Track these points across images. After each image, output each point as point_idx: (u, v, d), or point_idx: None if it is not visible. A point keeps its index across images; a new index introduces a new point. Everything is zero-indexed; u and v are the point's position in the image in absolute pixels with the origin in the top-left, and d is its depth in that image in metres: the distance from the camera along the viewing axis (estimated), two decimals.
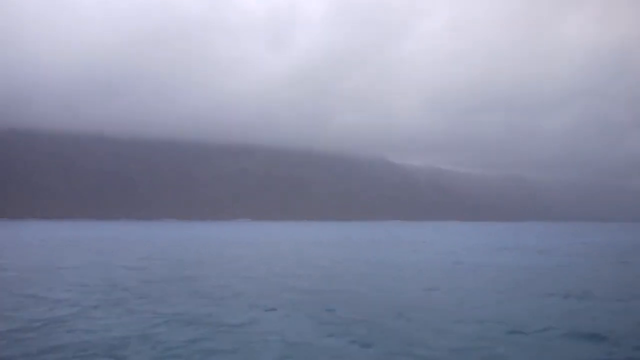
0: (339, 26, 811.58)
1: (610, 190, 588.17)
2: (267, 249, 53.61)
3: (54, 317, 15.71)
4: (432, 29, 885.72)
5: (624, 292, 22.25)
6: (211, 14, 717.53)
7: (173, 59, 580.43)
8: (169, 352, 12.09)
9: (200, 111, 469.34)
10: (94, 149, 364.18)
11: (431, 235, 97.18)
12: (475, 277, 27.45)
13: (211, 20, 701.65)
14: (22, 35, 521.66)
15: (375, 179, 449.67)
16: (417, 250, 51.62)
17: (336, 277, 26.86)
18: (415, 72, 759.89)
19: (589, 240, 75.21)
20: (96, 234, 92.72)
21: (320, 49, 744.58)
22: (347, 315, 16.29)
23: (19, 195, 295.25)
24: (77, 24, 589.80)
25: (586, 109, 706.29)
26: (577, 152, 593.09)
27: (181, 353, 12.05)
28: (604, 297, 20.55)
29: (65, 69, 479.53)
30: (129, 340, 12.97)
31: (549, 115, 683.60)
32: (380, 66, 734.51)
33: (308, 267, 32.58)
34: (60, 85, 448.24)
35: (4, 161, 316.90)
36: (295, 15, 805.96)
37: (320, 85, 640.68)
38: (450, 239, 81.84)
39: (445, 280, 25.71)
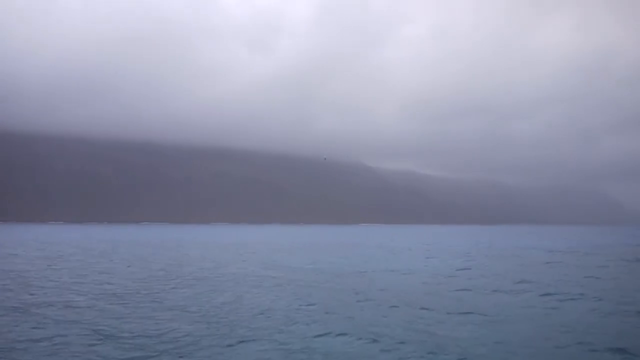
0: (323, 32, 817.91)
1: (584, 193, 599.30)
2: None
3: None
4: (414, 36, 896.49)
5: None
6: (195, 17, 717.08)
7: (155, 61, 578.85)
8: None
9: (181, 114, 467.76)
10: (67, 151, 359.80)
11: (380, 239, 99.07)
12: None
13: (195, 24, 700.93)
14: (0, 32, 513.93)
15: (353, 183, 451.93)
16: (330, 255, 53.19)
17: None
18: (395, 78, 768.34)
19: (530, 244, 77.59)
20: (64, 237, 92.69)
21: (303, 54, 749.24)
22: None
23: None
24: (58, 24, 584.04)
25: (561, 115, 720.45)
26: (552, 157, 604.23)
27: None
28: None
29: (43, 69, 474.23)
30: None
31: (525, 121, 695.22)
32: (362, 72, 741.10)
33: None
34: (37, 85, 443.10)
35: None
36: (280, 21, 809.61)
37: (302, 90, 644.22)
38: (395, 242, 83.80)
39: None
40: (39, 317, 15.94)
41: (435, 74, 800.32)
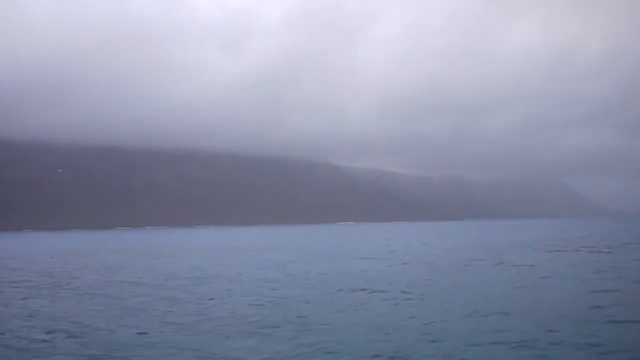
0: (294, 32, 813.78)
1: (550, 187, 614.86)
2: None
3: None
4: (384, 36, 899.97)
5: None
6: (165, 19, 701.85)
7: (123, 63, 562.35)
8: None
9: (149, 116, 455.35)
10: (26, 157, 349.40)
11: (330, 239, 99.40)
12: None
13: (165, 25, 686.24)
14: None
15: (321, 183, 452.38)
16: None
17: None
18: (366, 77, 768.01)
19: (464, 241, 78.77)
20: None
21: (274, 54, 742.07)
22: None
23: None
24: (18, 25, 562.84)
25: (526, 110, 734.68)
26: (517, 152, 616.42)
27: None
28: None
29: (4, 72, 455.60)
30: None
31: (492, 118, 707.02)
32: (333, 72, 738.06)
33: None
34: None
35: None
36: (251, 22, 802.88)
37: (272, 91, 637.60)
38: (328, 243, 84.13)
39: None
40: None
41: (405, 73, 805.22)
